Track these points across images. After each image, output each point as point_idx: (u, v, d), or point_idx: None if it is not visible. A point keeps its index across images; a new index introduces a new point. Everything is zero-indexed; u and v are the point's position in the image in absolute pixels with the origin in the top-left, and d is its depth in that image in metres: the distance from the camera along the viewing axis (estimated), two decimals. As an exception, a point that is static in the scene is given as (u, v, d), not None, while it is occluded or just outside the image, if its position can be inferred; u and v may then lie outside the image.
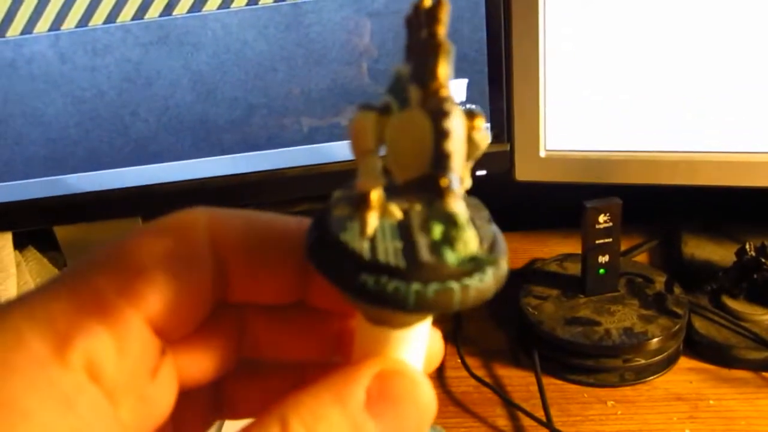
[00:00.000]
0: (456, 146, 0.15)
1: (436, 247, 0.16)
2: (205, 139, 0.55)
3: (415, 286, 0.15)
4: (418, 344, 0.19)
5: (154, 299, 0.17)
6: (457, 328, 0.58)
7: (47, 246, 0.67)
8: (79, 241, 0.65)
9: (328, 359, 0.21)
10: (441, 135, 0.15)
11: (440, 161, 0.15)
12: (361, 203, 0.16)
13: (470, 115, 0.16)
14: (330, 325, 0.21)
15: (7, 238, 0.63)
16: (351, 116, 0.16)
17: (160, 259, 0.17)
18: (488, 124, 0.56)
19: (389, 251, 0.16)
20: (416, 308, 0.16)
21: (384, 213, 0.17)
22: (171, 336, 0.18)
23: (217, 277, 0.19)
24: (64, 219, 0.60)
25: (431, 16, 0.15)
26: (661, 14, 0.51)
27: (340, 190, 0.18)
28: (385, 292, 0.16)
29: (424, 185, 0.15)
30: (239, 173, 0.56)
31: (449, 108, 0.15)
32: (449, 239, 0.16)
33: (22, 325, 0.16)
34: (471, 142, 0.16)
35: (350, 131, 0.16)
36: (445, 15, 0.15)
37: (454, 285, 0.16)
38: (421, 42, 0.15)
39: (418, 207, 0.17)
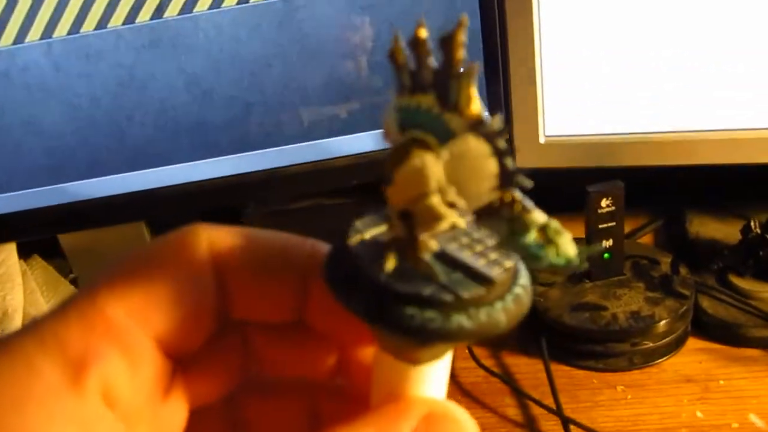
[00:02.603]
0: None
1: (537, 253, 0.16)
2: (203, 140, 0.55)
3: (461, 316, 0.16)
4: (443, 375, 0.19)
5: (162, 319, 0.17)
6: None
7: (52, 253, 0.68)
8: (83, 247, 0.65)
9: (333, 380, 0.21)
10: (503, 154, 0.15)
11: (510, 178, 0.15)
12: (412, 245, 0.16)
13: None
14: (330, 347, 0.21)
15: (11, 248, 0.63)
16: (398, 152, 0.16)
17: (165, 279, 0.18)
18: (487, 113, 0.55)
19: (437, 282, 0.16)
20: (466, 337, 0.16)
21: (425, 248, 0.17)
22: (179, 355, 0.18)
23: (220, 295, 0.19)
24: (67, 227, 0.60)
25: (450, 42, 0.15)
26: (656, -7, 0.51)
27: (361, 219, 0.18)
28: (434, 325, 0.15)
29: (498, 210, 0.16)
30: (239, 173, 0.56)
31: (500, 126, 0.15)
32: (551, 242, 0.16)
33: (32, 354, 0.16)
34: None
35: (407, 175, 0.15)
36: (464, 36, 0.15)
37: (498, 306, 0.16)
38: (442, 70, 0.15)
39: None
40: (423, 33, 0.16)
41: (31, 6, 0.50)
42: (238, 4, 0.51)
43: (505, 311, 0.16)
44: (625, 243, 0.55)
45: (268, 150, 0.56)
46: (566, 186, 0.55)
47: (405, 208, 0.16)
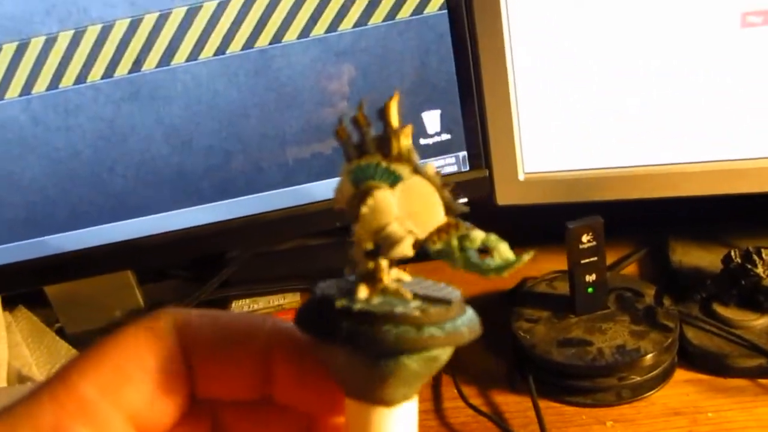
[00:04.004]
0: None
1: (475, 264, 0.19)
2: (184, 189, 0.55)
3: (432, 328, 0.18)
4: (412, 422, 0.20)
5: (132, 397, 0.18)
6: (451, 357, 0.57)
7: (38, 302, 0.67)
8: (69, 297, 0.65)
9: None
10: (442, 188, 0.19)
11: (451, 207, 0.19)
12: (379, 272, 0.19)
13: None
14: (300, 419, 0.21)
15: (-5, 301, 0.63)
16: (358, 198, 0.19)
17: (134, 359, 0.19)
18: (465, 152, 0.56)
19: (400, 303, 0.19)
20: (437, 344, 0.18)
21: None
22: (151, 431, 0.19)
23: (188, 374, 0.20)
24: (51, 279, 0.60)
25: (386, 111, 0.19)
26: (628, 31, 0.52)
27: (322, 282, 0.20)
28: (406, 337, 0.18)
29: (446, 231, 0.19)
30: (220, 221, 0.56)
31: (436, 168, 0.19)
32: (494, 249, 0.19)
33: None
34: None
35: (370, 210, 0.19)
36: (397, 106, 0.19)
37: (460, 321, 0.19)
38: (384, 133, 0.19)
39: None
40: (361, 113, 0.19)
41: (10, 63, 0.50)
42: (215, 55, 0.51)
43: (465, 325, 0.19)
44: (608, 275, 0.56)
45: (249, 196, 0.56)
46: (551, 218, 0.56)
47: (370, 244, 0.19)
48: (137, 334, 0.19)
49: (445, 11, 0.51)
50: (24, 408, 0.17)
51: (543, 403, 0.52)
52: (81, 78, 0.51)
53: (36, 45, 0.50)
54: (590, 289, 0.54)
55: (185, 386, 0.19)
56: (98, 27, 0.50)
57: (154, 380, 0.19)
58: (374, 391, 0.19)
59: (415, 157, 0.19)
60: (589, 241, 0.52)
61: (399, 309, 0.18)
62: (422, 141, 0.55)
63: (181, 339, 0.19)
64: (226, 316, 0.20)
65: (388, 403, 0.19)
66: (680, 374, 0.53)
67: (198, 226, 0.57)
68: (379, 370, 0.18)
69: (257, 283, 0.69)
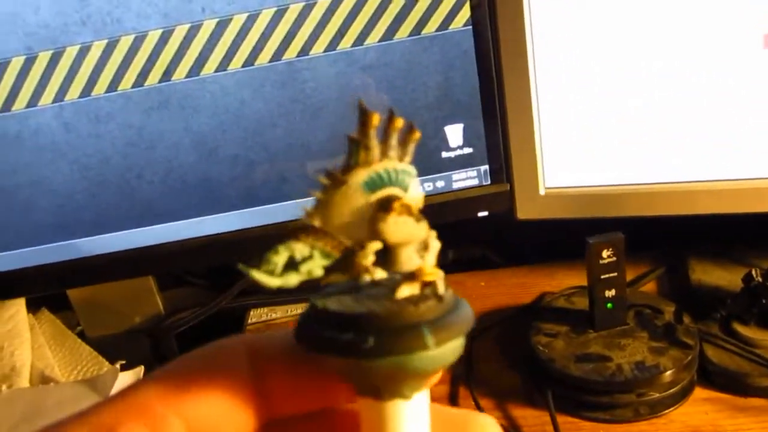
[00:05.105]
0: None
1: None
2: (209, 197, 0.56)
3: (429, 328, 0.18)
4: (422, 417, 0.20)
5: (195, 408, 0.19)
6: (469, 370, 0.58)
7: (60, 306, 0.68)
8: (91, 301, 0.66)
9: None
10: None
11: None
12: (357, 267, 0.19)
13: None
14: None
15: (21, 303, 0.64)
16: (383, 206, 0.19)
17: (201, 375, 0.19)
18: (487, 166, 0.57)
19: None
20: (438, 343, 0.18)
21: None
22: None
23: (257, 396, 0.20)
24: (75, 282, 0.61)
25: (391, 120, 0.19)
26: (650, 50, 0.52)
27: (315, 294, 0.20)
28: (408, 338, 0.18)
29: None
30: (244, 228, 0.57)
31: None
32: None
33: (69, 426, 0.18)
34: None
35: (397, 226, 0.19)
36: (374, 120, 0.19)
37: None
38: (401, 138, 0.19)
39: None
40: (376, 120, 0.19)
41: (44, 71, 0.52)
42: (243, 66, 0.52)
43: (461, 318, 0.19)
44: (627, 291, 0.56)
45: (272, 205, 0.57)
46: (571, 233, 0.56)
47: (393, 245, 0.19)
48: (207, 353, 0.20)
49: (470, 27, 0.52)
50: (93, 408, 0.18)
51: (560, 418, 0.52)
52: (112, 86, 0.53)
53: (70, 54, 0.51)
54: (609, 305, 0.54)
55: (252, 406, 0.20)
56: (131, 37, 0.51)
57: (219, 396, 0.19)
58: (384, 390, 0.19)
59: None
60: (609, 257, 0.52)
61: (398, 309, 0.18)
62: (444, 154, 0.56)
63: (252, 362, 0.20)
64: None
65: (404, 397, 0.19)
66: (699, 392, 0.53)
67: (221, 233, 0.58)
68: (385, 373, 0.19)
69: (275, 293, 0.70)
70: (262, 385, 0.20)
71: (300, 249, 0.19)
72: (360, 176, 0.19)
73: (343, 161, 0.19)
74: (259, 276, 0.18)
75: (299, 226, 0.19)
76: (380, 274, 0.19)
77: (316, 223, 0.19)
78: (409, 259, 0.20)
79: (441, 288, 0.19)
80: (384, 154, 0.19)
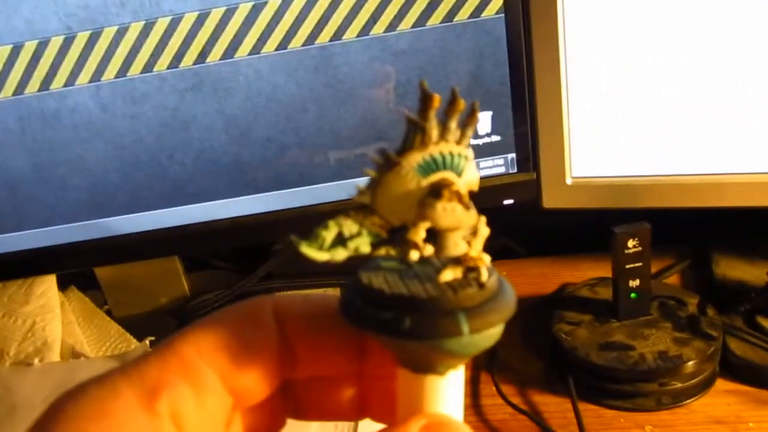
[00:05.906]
0: None
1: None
2: (239, 179, 0.57)
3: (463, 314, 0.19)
4: (455, 391, 0.21)
5: (227, 360, 0.20)
6: (491, 357, 0.58)
7: (88, 284, 0.70)
8: (119, 281, 0.68)
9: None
10: None
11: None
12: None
13: None
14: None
15: (51, 279, 0.65)
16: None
17: (232, 330, 0.21)
18: (514, 155, 0.57)
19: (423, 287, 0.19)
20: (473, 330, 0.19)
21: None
22: (242, 396, 0.21)
23: (284, 351, 0.21)
24: (106, 260, 0.62)
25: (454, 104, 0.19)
26: (682, 40, 0.52)
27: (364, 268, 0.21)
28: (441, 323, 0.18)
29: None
30: (272, 210, 0.58)
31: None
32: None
33: (119, 382, 0.19)
34: None
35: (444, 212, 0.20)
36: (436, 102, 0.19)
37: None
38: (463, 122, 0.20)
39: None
40: (436, 101, 0.19)
41: (83, 51, 0.53)
42: (276, 50, 0.53)
43: (502, 306, 0.20)
44: (651, 283, 0.56)
45: (301, 188, 0.58)
46: (594, 224, 0.56)
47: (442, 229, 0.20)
48: (237, 311, 0.21)
49: (503, 15, 0.52)
50: (135, 364, 0.19)
51: (582, 406, 0.52)
52: (148, 67, 0.54)
53: (108, 34, 0.52)
54: (634, 295, 0.54)
55: (279, 363, 0.21)
56: (168, 19, 0.52)
57: (247, 349, 0.20)
58: (426, 365, 0.20)
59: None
60: (634, 246, 0.53)
61: (450, 294, 0.19)
62: (472, 141, 0.56)
63: (277, 318, 0.21)
64: (316, 297, 0.22)
65: (439, 373, 0.20)
66: (721, 384, 0.53)
67: (249, 215, 0.59)
68: (420, 352, 0.19)
69: (300, 277, 0.70)
70: (286, 344, 0.21)
71: (349, 226, 0.19)
72: (414, 159, 0.19)
73: (400, 142, 0.19)
74: (308, 250, 0.19)
75: (351, 204, 0.19)
76: (429, 250, 0.20)
77: (367, 201, 0.19)
78: (455, 245, 0.20)
79: (484, 275, 0.19)
80: (442, 136, 0.19)
